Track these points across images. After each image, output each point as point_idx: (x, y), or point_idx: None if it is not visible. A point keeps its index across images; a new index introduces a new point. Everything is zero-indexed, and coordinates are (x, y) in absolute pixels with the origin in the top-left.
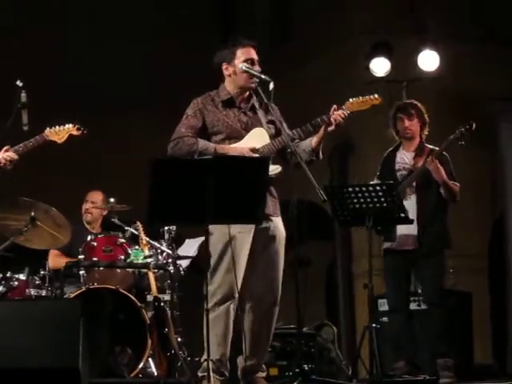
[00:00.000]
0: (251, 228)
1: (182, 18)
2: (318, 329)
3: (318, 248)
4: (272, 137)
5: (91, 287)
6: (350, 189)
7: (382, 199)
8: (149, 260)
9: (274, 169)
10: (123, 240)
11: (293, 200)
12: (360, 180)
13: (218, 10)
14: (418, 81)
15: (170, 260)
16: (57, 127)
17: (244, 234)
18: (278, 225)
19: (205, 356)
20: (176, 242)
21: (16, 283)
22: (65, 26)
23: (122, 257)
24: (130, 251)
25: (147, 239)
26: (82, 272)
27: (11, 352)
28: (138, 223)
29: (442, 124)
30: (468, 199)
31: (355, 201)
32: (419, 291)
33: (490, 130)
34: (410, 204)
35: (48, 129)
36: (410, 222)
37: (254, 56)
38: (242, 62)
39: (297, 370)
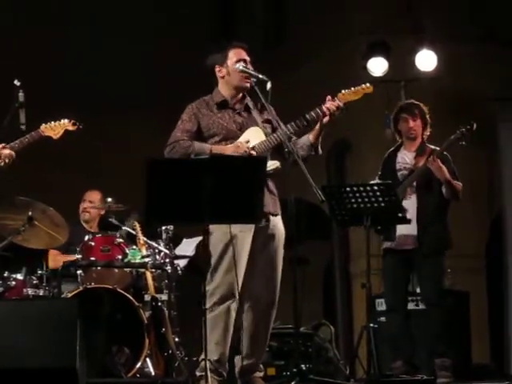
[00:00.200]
0: (252, 227)
1: (181, 18)
2: (316, 328)
3: (315, 247)
4: (268, 135)
5: (89, 287)
6: (348, 188)
7: (380, 199)
8: (146, 260)
9: (272, 164)
10: (121, 240)
11: (290, 199)
12: (357, 180)
13: (218, 10)
14: (416, 81)
15: (167, 260)
16: (52, 123)
17: (245, 234)
18: (277, 223)
19: (203, 356)
20: (173, 241)
21: (13, 283)
22: (65, 25)
23: (120, 256)
24: (127, 251)
25: (145, 239)
26: (79, 272)
27: (8, 352)
28: (136, 222)
29: (440, 124)
30: (466, 199)
31: (353, 200)
32: (417, 291)
33: (488, 130)
34: (410, 204)
35: (44, 124)
36: (408, 221)
37: (246, 57)
38: (234, 63)
39: (294, 370)
